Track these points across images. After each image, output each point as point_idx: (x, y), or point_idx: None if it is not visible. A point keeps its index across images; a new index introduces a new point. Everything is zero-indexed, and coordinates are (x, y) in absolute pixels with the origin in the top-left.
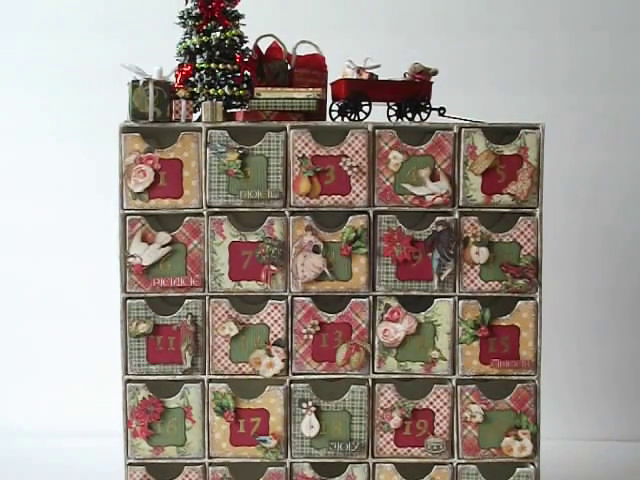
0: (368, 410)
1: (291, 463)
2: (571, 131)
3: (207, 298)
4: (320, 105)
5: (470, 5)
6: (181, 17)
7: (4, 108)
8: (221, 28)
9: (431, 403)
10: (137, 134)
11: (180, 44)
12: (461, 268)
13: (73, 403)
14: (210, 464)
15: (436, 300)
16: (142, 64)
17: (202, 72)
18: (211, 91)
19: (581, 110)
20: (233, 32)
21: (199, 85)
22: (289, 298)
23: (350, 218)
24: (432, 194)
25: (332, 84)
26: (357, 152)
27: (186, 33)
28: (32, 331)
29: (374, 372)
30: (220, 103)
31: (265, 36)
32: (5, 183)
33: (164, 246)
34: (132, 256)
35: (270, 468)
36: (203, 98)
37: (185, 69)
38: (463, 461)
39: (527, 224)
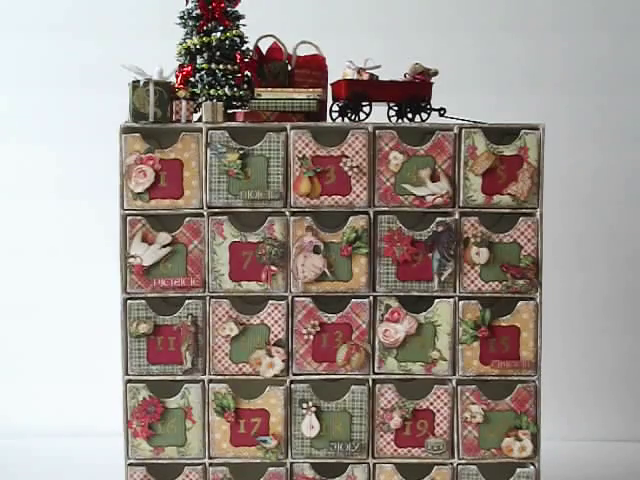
0: (368, 410)
1: (291, 463)
2: (571, 131)
3: (207, 298)
4: (320, 105)
5: (470, 6)
6: (181, 17)
7: (4, 109)
8: (221, 28)
9: (431, 403)
10: (137, 134)
11: (180, 44)
12: (461, 268)
13: (73, 403)
14: (210, 464)
15: (436, 300)
16: (142, 64)
17: (202, 72)
18: (211, 91)
19: (581, 110)
20: (233, 32)
21: (199, 85)
22: (289, 298)
23: (350, 218)
24: (432, 194)
25: (332, 84)
26: (357, 152)
27: (186, 33)
28: (32, 331)
29: (374, 372)
30: (220, 103)
31: (265, 36)
32: (5, 183)
33: (164, 246)
34: (132, 256)
35: (270, 468)
36: (203, 98)
37: (185, 69)
38: (463, 461)
39: (527, 224)
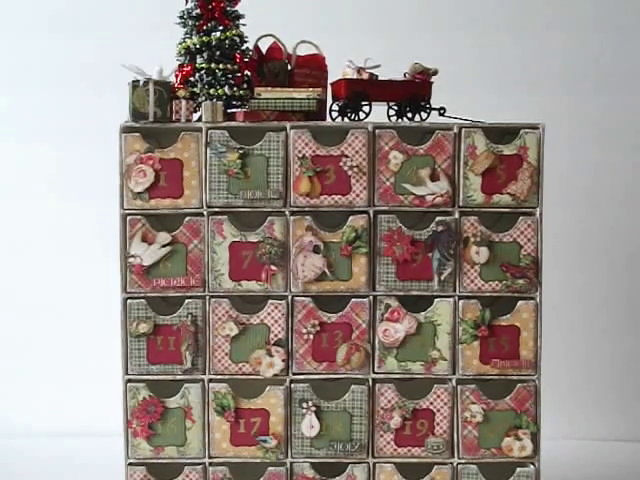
0: (368, 410)
1: (291, 463)
2: (571, 131)
3: (207, 298)
4: (320, 105)
5: (470, 6)
6: (181, 17)
7: (4, 109)
8: (221, 28)
9: (431, 403)
10: (137, 134)
11: (180, 44)
12: (461, 268)
13: (73, 403)
14: (210, 464)
15: (436, 300)
16: (142, 64)
17: (202, 72)
18: (211, 91)
19: (581, 110)
20: (233, 32)
21: (199, 85)
22: (289, 298)
23: (350, 218)
24: (432, 194)
25: (332, 84)
26: (357, 152)
27: (186, 33)
28: (32, 331)
29: (374, 372)
30: (220, 103)
31: (265, 36)
32: (5, 183)
33: (164, 246)
34: (132, 256)
35: (270, 468)
36: (203, 98)
37: (185, 69)
38: (463, 461)
39: (527, 224)
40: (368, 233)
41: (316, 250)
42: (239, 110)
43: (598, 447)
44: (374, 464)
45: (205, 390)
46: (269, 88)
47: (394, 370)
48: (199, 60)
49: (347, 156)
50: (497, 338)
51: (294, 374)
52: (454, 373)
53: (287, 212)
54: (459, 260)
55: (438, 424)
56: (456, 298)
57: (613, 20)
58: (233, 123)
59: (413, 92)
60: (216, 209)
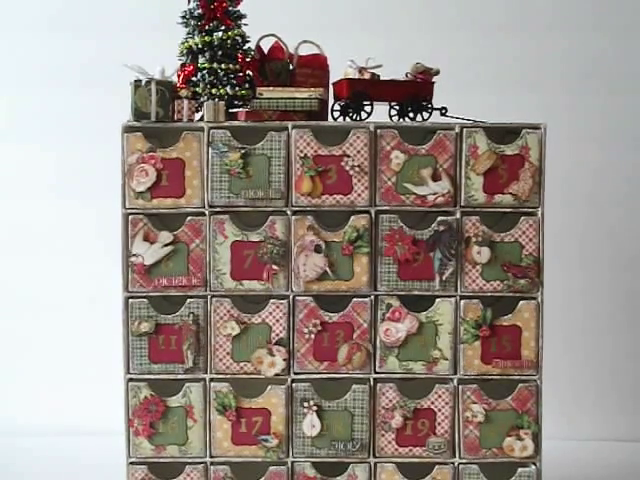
0: (369, 410)
1: (292, 462)
2: (572, 131)
3: (209, 297)
4: (322, 105)
5: (471, 6)
6: (183, 17)
7: (5, 107)
8: (223, 28)
9: (432, 403)
10: (139, 134)
11: (182, 44)
12: (463, 268)
13: (74, 402)
14: (211, 463)
15: (438, 300)
16: (144, 64)
17: (204, 72)
18: (213, 91)
19: (581, 110)
20: (235, 32)
21: (201, 85)
22: (291, 297)
23: (352, 218)
24: (434, 194)
25: (334, 84)
26: (359, 152)
27: (188, 33)
28: (33, 330)
29: (375, 372)
30: (222, 103)
31: (267, 36)
32: (6, 182)
33: (166, 245)
34: (134, 255)
35: (271, 467)
36: (205, 98)
37: (187, 69)
38: (464, 461)
39: (529, 224)
40: (369, 233)
41: (317, 250)
42: (241, 110)
43: (599, 447)
44: (375, 464)
45: (206, 389)
46: (271, 88)
47: (395, 370)
48: (201, 60)
49: (349, 156)
50: (498, 338)
51: (295, 373)
52: (455, 373)
53: (289, 212)
54: (460, 260)
55: (439, 424)
56: (457, 298)
57: (613, 20)
58: (235, 123)
59: (415, 92)
60: (218, 208)
